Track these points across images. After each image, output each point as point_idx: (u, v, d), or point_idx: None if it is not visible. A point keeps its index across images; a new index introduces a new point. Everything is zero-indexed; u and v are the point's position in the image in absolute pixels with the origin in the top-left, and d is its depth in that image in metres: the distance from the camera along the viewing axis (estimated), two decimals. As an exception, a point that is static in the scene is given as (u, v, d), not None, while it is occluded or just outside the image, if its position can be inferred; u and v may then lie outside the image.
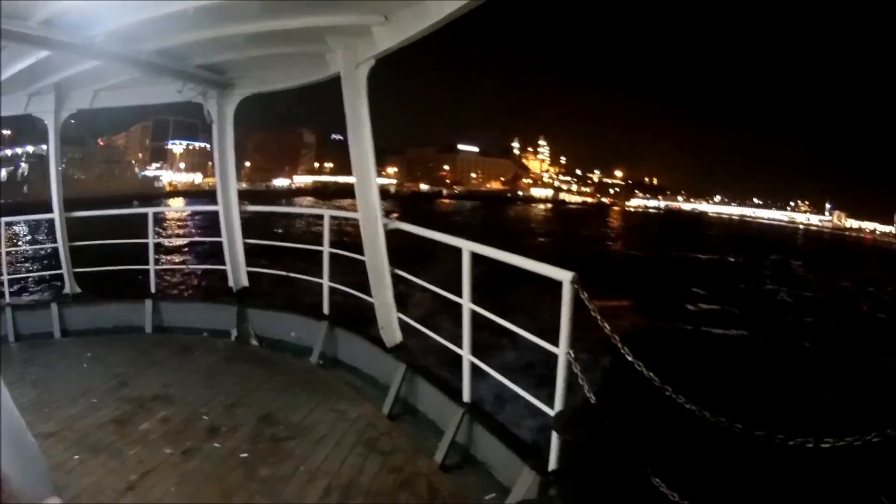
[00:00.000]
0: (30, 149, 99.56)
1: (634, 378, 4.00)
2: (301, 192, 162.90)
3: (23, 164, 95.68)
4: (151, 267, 9.59)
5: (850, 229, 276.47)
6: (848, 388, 20.52)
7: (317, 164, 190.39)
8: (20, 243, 37.67)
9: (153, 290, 9.59)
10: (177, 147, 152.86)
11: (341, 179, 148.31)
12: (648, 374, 3.90)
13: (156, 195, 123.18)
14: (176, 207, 63.37)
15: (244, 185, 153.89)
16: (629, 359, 3.97)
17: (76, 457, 5.30)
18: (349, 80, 6.57)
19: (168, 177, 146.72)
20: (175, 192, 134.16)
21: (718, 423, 3.61)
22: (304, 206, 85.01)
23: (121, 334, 9.05)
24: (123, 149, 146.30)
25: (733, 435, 3.60)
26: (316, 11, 5.73)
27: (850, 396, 19.62)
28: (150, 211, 9.61)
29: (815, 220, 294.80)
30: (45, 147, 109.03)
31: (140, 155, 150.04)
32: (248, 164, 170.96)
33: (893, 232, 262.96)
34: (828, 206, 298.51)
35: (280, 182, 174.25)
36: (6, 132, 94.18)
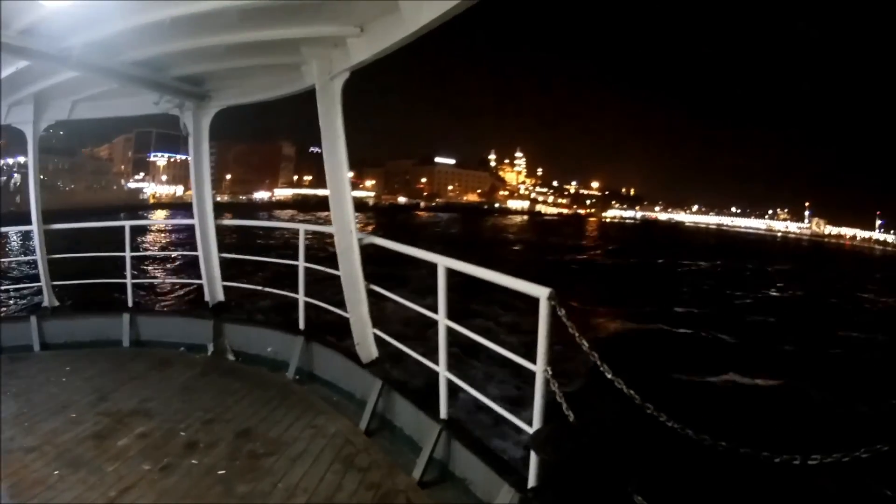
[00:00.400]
0: (21, 159, 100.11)
1: (615, 394, 3.88)
2: (282, 204, 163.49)
3: (16, 175, 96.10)
4: (129, 281, 9.41)
5: (830, 236, 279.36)
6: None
7: (296, 177, 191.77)
8: (12, 254, 37.49)
9: (130, 303, 9.41)
10: (160, 160, 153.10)
11: (321, 192, 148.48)
12: (629, 391, 3.78)
13: (141, 206, 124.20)
14: (154, 220, 63.61)
15: (226, 198, 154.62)
16: (609, 376, 3.83)
17: (56, 472, 5.19)
18: (324, 92, 6.47)
19: (151, 189, 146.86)
20: (159, 204, 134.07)
21: (701, 440, 3.50)
22: (285, 219, 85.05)
23: (99, 348, 8.86)
24: (107, 160, 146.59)
25: (717, 452, 3.48)
26: (292, 22, 5.64)
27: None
28: (126, 224, 9.41)
29: (793, 227, 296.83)
30: None
31: (122, 167, 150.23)
32: (228, 176, 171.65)
33: (874, 237, 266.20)
34: (807, 213, 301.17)
35: (261, 195, 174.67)
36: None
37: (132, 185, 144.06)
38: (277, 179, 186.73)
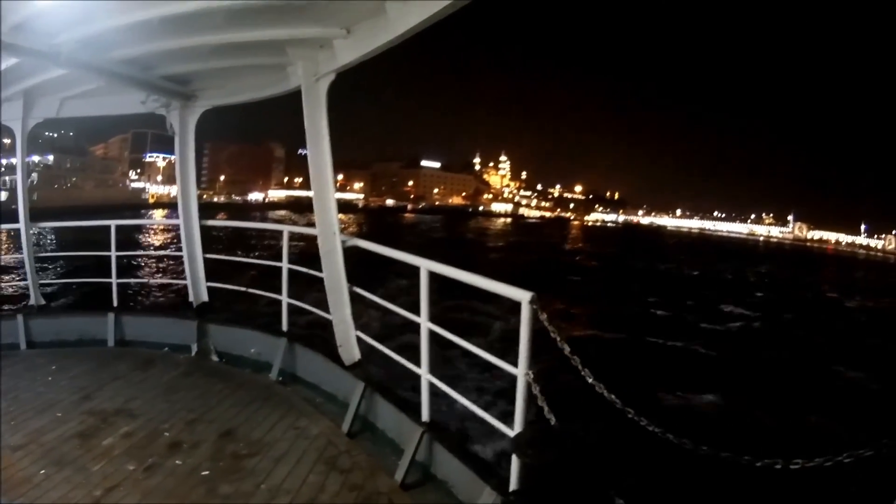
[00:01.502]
0: (35, 158, 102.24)
1: (596, 398, 3.77)
2: (275, 205, 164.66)
3: (33, 174, 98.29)
4: (114, 280, 9.26)
5: (812, 240, 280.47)
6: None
7: (286, 179, 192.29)
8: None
9: (115, 303, 9.27)
10: (159, 161, 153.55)
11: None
12: (610, 396, 3.68)
13: (143, 206, 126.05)
14: (141, 221, 62.68)
15: (222, 199, 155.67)
16: (590, 381, 3.75)
17: (42, 471, 5.11)
18: (309, 93, 6.36)
19: (151, 189, 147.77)
20: (158, 204, 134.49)
21: (682, 444, 3.38)
22: (277, 220, 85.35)
23: (84, 347, 8.79)
24: (104, 159, 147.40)
25: (698, 456, 3.36)
26: (278, 23, 5.52)
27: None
28: (112, 223, 9.28)
29: (775, 231, 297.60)
30: (50, 157, 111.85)
31: (119, 167, 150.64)
32: (222, 177, 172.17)
33: (857, 241, 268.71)
34: (790, 217, 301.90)
35: (255, 196, 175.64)
36: (6, 141, 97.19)
37: (135, 184, 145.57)
38: (270, 181, 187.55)
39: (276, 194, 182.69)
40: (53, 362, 7.89)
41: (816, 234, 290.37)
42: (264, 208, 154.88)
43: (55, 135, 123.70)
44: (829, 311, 46.32)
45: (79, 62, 6.16)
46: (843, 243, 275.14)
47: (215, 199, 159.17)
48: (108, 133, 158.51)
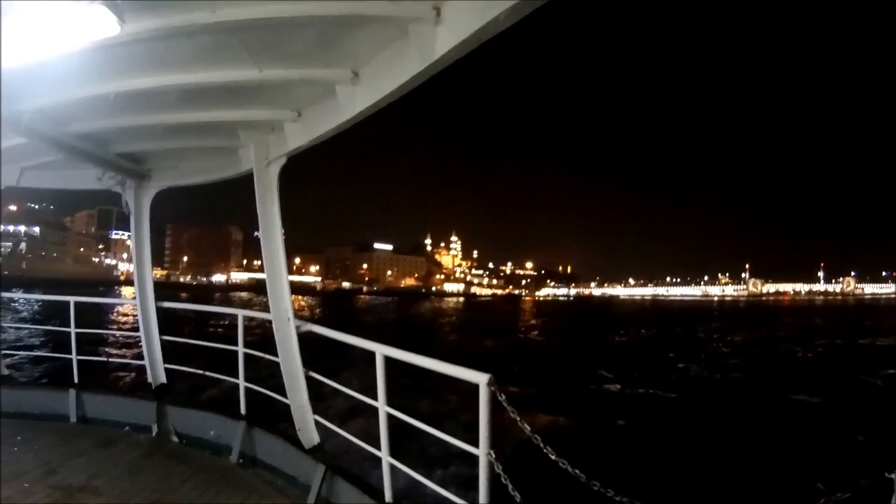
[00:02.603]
0: (22, 228, 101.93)
1: (561, 473, 3.63)
2: (239, 287, 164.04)
3: (23, 244, 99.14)
4: (74, 357, 8.87)
5: (768, 294, 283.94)
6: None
7: (245, 261, 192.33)
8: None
9: (76, 379, 8.88)
10: (128, 240, 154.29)
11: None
12: (574, 471, 3.55)
13: (115, 282, 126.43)
14: (100, 299, 60.67)
15: (187, 279, 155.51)
16: (553, 458, 3.59)
17: None
18: (261, 177, 6.22)
19: (122, 266, 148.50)
20: (128, 281, 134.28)
21: None
22: (241, 301, 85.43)
23: (47, 421, 8.45)
24: (78, 235, 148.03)
25: None
26: (231, 105, 5.41)
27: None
28: (71, 300, 9.02)
29: (729, 290, 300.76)
30: (36, 229, 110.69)
31: (94, 244, 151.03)
32: (185, 258, 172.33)
33: (815, 289, 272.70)
34: (745, 275, 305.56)
35: (218, 277, 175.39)
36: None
37: (108, 261, 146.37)
38: (230, 263, 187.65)
39: (238, 276, 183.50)
40: (18, 433, 7.59)
41: (772, 288, 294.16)
42: (227, 290, 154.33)
43: (37, 206, 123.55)
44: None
45: (37, 132, 5.98)
46: (802, 292, 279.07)
47: (181, 280, 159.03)
48: (75, 206, 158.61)
